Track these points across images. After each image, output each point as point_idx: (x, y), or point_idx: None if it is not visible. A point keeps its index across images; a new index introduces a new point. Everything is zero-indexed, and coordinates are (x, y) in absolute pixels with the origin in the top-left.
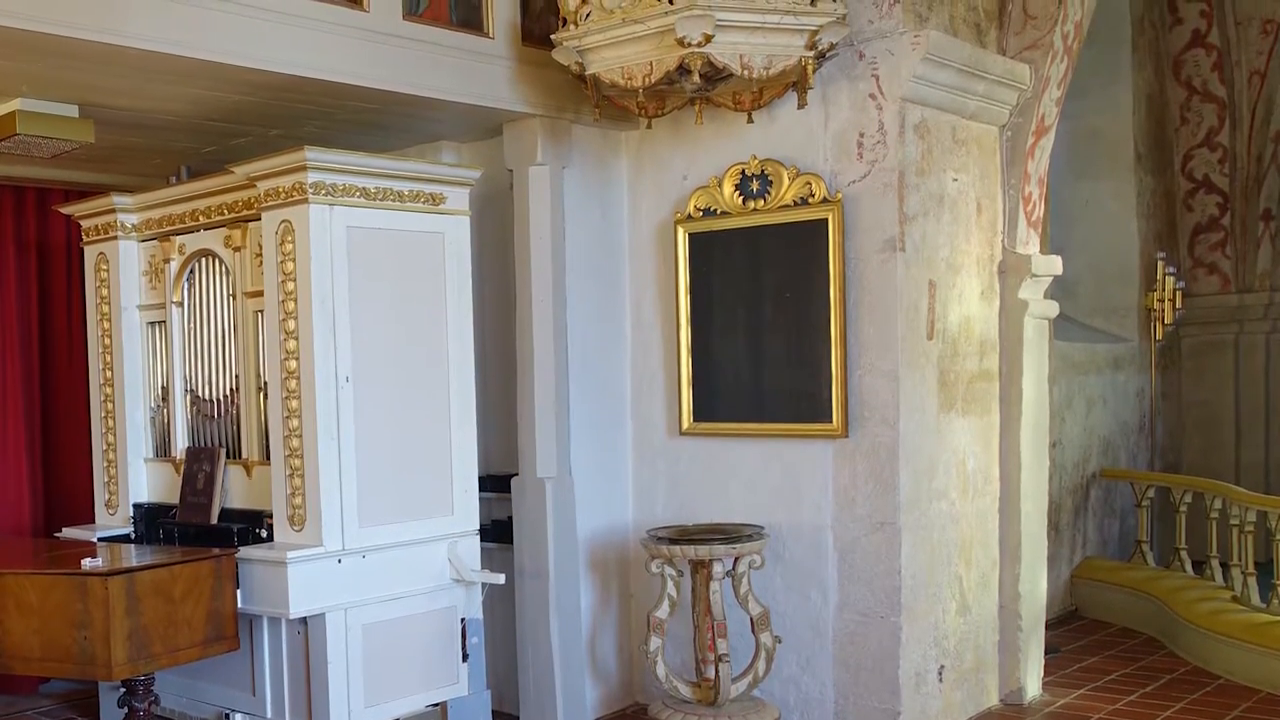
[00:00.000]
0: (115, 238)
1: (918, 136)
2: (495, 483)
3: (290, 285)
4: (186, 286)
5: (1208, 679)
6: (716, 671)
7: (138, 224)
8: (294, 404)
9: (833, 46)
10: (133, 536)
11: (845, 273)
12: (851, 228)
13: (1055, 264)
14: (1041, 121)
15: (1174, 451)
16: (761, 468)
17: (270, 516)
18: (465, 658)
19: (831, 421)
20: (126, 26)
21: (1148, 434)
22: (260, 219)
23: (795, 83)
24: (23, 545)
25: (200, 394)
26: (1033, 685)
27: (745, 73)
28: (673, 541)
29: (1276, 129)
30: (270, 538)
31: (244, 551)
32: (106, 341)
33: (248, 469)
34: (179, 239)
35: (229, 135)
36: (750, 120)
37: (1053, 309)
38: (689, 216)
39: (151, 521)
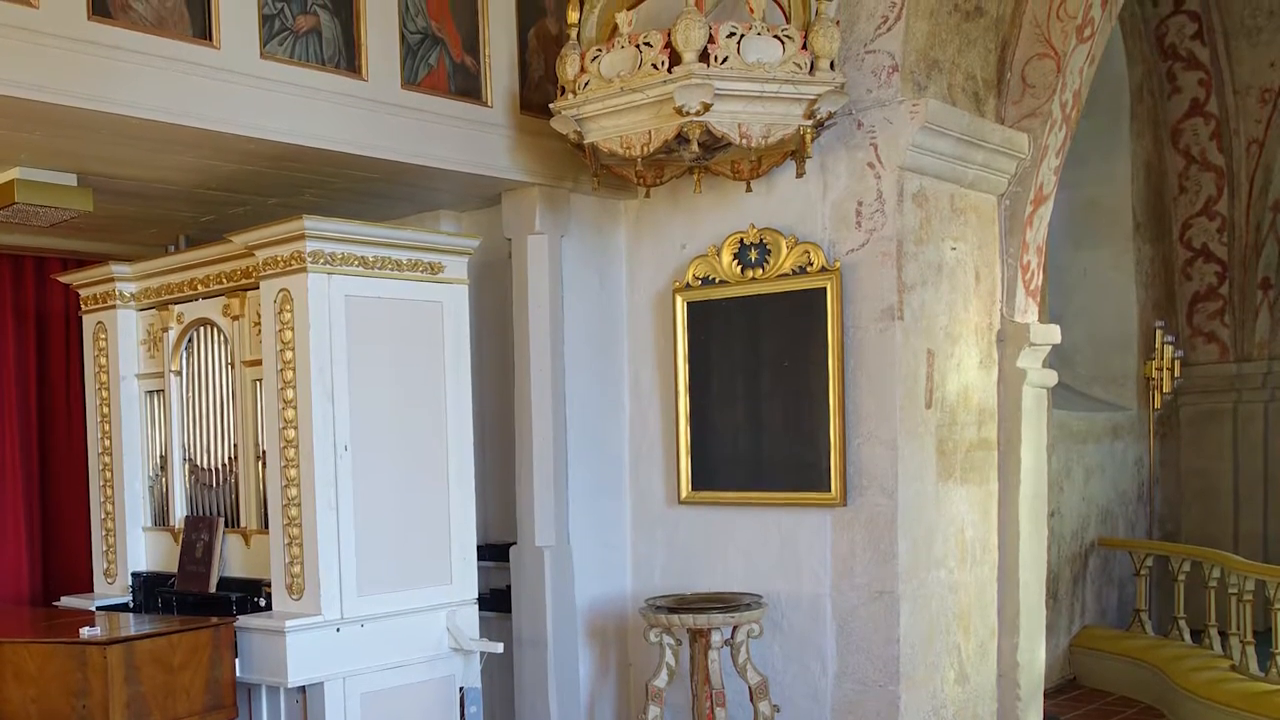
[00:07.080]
0: (114, 306)
1: (916, 205)
2: (494, 551)
3: (289, 354)
4: (185, 355)
5: None
6: None
7: (136, 293)
8: (292, 473)
9: (831, 115)
10: (131, 605)
11: (844, 341)
12: (850, 296)
13: (1054, 333)
14: (1040, 190)
15: (1172, 520)
16: (760, 537)
17: (269, 585)
18: None
19: (830, 490)
20: (125, 95)
21: (1146, 502)
22: (259, 288)
23: (794, 152)
24: (21, 614)
25: (199, 463)
26: None
27: (744, 141)
28: (671, 610)
29: (1275, 198)
30: (269, 606)
31: (242, 620)
32: (105, 410)
33: (246, 538)
34: (177, 308)
35: (227, 204)
36: (749, 189)
37: (1051, 378)
38: (687, 285)
39: (150, 590)
